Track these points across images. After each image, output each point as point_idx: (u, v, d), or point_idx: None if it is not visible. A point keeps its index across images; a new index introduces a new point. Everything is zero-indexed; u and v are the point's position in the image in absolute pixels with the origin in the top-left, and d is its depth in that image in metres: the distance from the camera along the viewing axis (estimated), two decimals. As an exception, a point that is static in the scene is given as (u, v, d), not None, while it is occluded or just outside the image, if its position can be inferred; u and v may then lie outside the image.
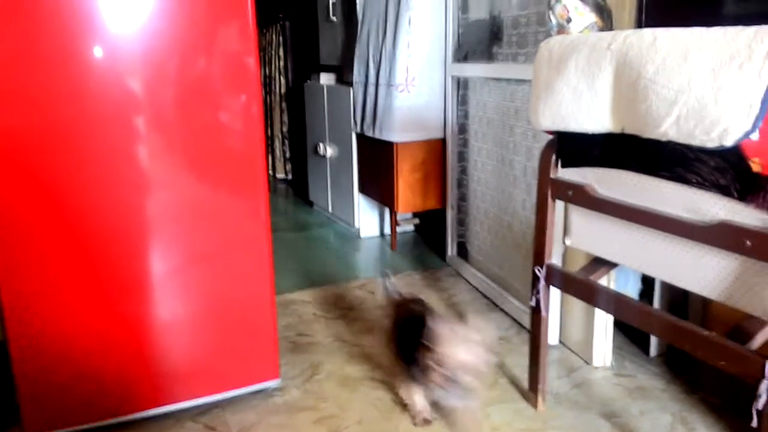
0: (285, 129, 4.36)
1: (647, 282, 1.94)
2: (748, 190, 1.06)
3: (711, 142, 1.01)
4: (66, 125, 1.38)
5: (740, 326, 1.17)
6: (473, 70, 2.44)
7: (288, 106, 4.30)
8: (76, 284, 1.46)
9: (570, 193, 1.44)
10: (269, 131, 4.49)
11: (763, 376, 1.05)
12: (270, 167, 4.63)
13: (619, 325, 2.04)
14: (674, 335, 1.24)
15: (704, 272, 1.18)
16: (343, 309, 2.34)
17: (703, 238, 1.15)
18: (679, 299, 1.83)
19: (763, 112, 0.95)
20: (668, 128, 1.07)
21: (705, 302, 1.79)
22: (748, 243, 1.06)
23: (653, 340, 1.89)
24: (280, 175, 4.52)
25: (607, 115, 1.23)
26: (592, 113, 1.25)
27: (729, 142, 0.99)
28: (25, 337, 1.44)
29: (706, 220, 1.13)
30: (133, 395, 1.58)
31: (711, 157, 1.10)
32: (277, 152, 4.46)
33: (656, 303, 1.82)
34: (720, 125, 0.99)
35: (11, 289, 1.40)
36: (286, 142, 4.38)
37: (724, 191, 1.10)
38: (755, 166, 1.00)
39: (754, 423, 1.07)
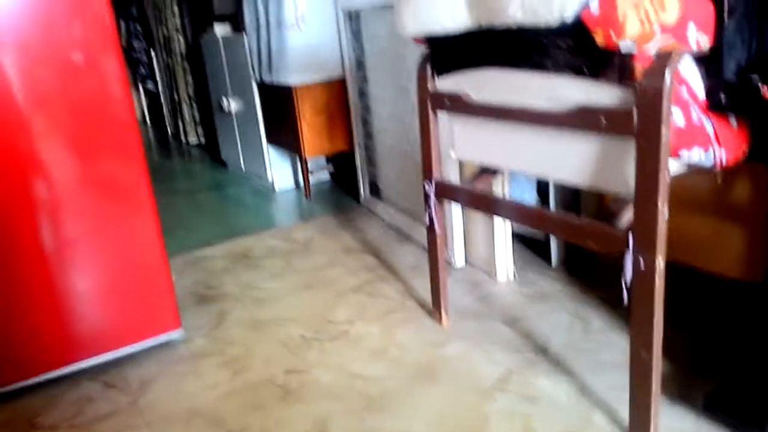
0: (191, 91, 4.19)
1: (543, 194, 1.97)
2: (598, 66, 1.06)
3: (554, 19, 1.00)
4: None
5: (607, 207, 1.19)
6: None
7: (191, 66, 4.12)
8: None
9: (447, 102, 1.43)
10: (175, 95, 4.31)
11: (627, 247, 1.07)
12: (182, 133, 4.46)
13: (523, 241, 2.08)
14: (549, 225, 1.26)
15: (571, 160, 1.19)
16: (254, 258, 2.29)
17: (565, 124, 1.15)
18: (571, 201, 1.86)
19: (596, -21, 0.94)
20: (515, 11, 1.06)
21: (598, 200, 1.83)
22: (604, 121, 1.07)
23: (554, 250, 1.92)
24: (193, 140, 4.37)
25: (463, 11, 1.20)
26: (450, 12, 1.22)
27: (569, 14, 0.97)
28: None
29: (566, 106, 1.13)
30: (23, 361, 1.51)
31: (562, 39, 1.09)
32: (186, 116, 4.30)
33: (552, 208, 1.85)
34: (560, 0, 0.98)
35: None
36: (194, 104, 4.22)
37: (578, 71, 1.10)
38: (599, 39, 1.00)
39: (624, 297, 1.10)
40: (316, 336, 1.69)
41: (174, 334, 1.70)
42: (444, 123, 1.55)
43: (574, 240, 1.20)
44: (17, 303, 1.47)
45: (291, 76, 2.62)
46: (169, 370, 1.59)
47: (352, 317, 1.77)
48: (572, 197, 1.87)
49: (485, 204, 1.43)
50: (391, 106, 2.36)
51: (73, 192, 1.48)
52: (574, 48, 1.08)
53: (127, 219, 1.55)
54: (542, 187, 1.98)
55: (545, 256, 1.98)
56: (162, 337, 1.68)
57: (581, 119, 1.11)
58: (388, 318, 1.74)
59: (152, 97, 5.35)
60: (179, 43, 4.09)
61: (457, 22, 1.23)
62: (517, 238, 1.91)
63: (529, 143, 1.26)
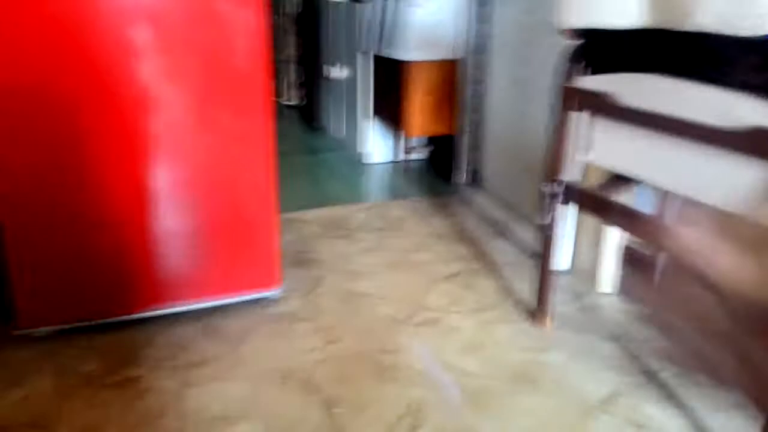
0: (297, 53, 4.21)
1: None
2: (792, 89, 0.97)
3: (746, 29, 0.92)
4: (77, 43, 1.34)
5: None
6: (495, -17, 2.29)
7: (300, 29, 4.14)
8: (81, 184, 1.43)
9: (593, 103, 1.35)
10: (280, 55, 4.35)
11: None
12: (281, 94, 4.52)
13: (629, 255, 1.98)
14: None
15: (734, 185, 1.10)
16: (347, 229, 2.29)
17: (735, 146, 1.07)
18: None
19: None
20: (703, 17, 0.97)
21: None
22: (786, 149, 0.98)
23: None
24: (292, 102, 4.41)
25: (636, 8, 1.12)
26: (623, 5, 1.14)
27: (766, 30, 0.89)
28: (21, 226, 1.41)
29: (739, 126, 1.05)
30: (130, 296, 1.56)
31: (749, 54, 1.00)
32: (290, 77, 4.33)
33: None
34: (757, 9, 0.89)
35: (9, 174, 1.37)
36: (298, 66, 4.25)
37: (761, 93, 1.01)
38: (803, 60, 0.91)
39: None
40: (408, 319, 1.67)
41: (272, 292, 1.72)
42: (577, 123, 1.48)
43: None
44: (126, 239, 1.51)
45: (405, 53, 2.58)
46: (265, 327, 1.61)
47: (445, 306, 1.74)
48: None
49: (610, 213, 1.36)
50: (508, 95, 2.29)
51: (194, 134, 1.49)
52: (763, 66, 0.99)
53: (246, 170, 1.56)
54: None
55: (651, 272, 1.88)
56: (260, 293, 1.70)
57: (756, 143, 1.03)
58: (483, 314, 1.70)
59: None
60: (293, 4, 4.11)
61: (628, 18, 1.15)
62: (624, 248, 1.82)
63: (685, 160, 1.18)
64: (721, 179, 1.12)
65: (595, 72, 1.33)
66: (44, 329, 1.51)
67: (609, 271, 1.80)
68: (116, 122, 1.42)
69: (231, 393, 1.35)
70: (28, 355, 1.46)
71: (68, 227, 1.44)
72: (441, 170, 3.05)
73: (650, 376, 1.41)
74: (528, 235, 2.10)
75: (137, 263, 1.54)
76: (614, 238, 1.77)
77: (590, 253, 1.85)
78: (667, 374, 1.42)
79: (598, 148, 1.38)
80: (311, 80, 4.04)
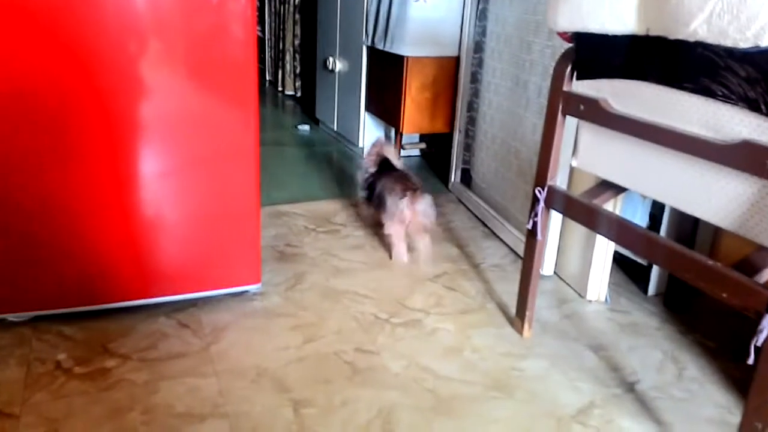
0: (297, 42, 4.18)
1: (654, 219, 1.84)
2: (780, 104, 0.94)
3: (745, 41, 0.88)
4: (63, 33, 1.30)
5: (748, 258, 1.07)
6: (495, -19, 2.26)
7: (302, 18, 4.10)
8: (59, 169, 1.39)
9: (582, 107, 1.32)
10: (281, 45, 4.32)
11: (766, 310, 0.96)
12: (279, 83, 4.48)
13: (619, 263, 1.96)
14: (677, 264, 1.15)
15: (719, 198, 1.07)
16: (335, 224, 2.27)
17: (721, 159, 1.04)
18: (686, 235, 1.73)
19: (811, 6, 0.82)
20: (699, 26, 0.94)
21: (714, 239, 1.69)
22: (771, 164, 0.95)
23: (653, 279, 1.80)
24: (289, 92, 4.37)
25: (632, 14, 1.09)
26: (615, 11, 1.11)
27: (765, 42, 0.86)
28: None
29: (726, 139, 1.02)
30: (107, 285, 1.53)
31: (742, 66, 0.97)
32: (288, 67, 4.30)
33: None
34: (758, 22, 0.86)
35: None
36: (297, 56, 4.21)
37: (752, 106, 0.98)
38: (792, 74, 0.88)
39: (751, 360, 0.99)
40: (389, 319, 1.65)
41: (253, 287, 1.70)
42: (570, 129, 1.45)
43: (702, 285, 1.09)
44: (108, 228, 1.48)
45: (406, 48, 2.54)
46: (243, 322, 1.59)
47: (427, 307, 1.72)
48: (689, 229, 1.73)
49: (597, 222, 1.33)
50: (503, 95, 2.25)
51: (177, 124, 1.45)
52: (756, 79, 0.96)
53: (228, 162, 1.53)
54: (654, 210, 1.85)
55: (641, 282, 1.86)
56: (241, 287, 1.68)
57: (742, 157, 1.00)
58: (465, 317, 1.67)
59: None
60: (295, -7, 4.07)
61: (621, 24, 1.12)
62: (614, 256, 1.80)
63: (670, 170, 1.15)
64: (707, 191, 1.09)
65: (584, 76, 1.30)
66: (18, 315, 1.49)
67: (597, 278, 1.77)
68: (98, 109, 1.38)
69: (202, 388, 1.33)
70: (0, 340, 1.44)
71: (43, 212, 1.42)
72: (435, 168, 3.02)
73: (628, 388, 1.39)
74: (517, 239, 2.07)
75: (115, 253, 1.51)
76: (603, 244, 1.75)
77: (577, 258, 1.83)
78: (645, 387, 1.39)
79: (583, 154, 1.35)
80: (310, 71, 4.01)
